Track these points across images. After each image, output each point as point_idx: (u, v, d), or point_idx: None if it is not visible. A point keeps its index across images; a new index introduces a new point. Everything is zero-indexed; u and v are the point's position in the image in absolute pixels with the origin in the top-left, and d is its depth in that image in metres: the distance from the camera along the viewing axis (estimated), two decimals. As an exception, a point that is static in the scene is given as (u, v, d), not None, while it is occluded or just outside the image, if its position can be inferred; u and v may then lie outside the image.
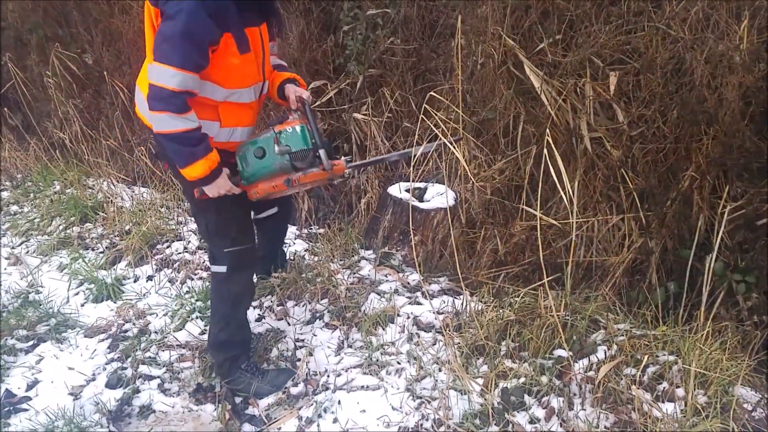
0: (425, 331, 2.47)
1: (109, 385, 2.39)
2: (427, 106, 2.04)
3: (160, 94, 1.73)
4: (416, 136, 2.08)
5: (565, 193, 1.80)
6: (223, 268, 2.13)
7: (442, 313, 2.51)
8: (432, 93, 2.07)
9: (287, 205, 2.62)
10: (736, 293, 2.18)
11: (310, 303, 2.73)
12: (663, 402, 1.92)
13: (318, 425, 2.08)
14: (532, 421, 1.96)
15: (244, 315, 2.29)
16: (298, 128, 1.98)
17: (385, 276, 2.84)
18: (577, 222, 2.67)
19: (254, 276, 2.28)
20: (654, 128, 2.58)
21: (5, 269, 3.37)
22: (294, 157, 1.97)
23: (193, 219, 2.91)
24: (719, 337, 2.03)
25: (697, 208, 2.42)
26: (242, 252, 2.12)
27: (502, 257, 2.80)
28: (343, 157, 2.08)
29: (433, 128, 2.03)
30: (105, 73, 4.03)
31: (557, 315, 2.13)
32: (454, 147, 1.94)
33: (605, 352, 2.12)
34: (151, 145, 2.24)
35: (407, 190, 2.93)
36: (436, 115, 2.01)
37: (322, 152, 1.98)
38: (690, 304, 2.26)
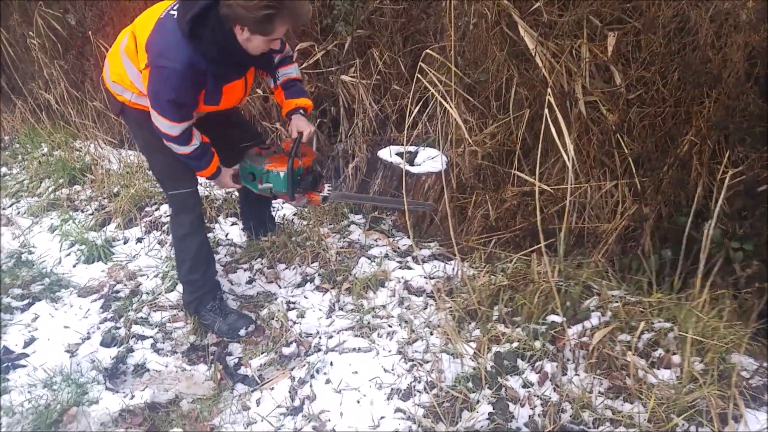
0: (416, 296, 2.32)
1: (104, 344, 2.33)
2: (422, 64, 1.82)
3: (167, 137, 1.98)
4: (410, 98, 1.87)
5: (567, 157, 1.61)
6: (170, 210, 2.27)
7: (434, 278, 2.35)
8: (428, 51, 1.86)
9: None
10: (734, 261, 2.03)
11: (300, 266, 2.58)
12: (658, 369, 1.79)
13: (311, 386, 1.97)
14: (526, 385, 1.84)
15: (195, 256, 2.28)
16: (282, 174, 2.14)
17: (375, 240, 2.68)
18: (571, 188, 2.50)
19: (201, 219, 2.34)
20: (653, 91, 2.38)
21: (-4, 229, 3.25)
22: (274, 193, 2.21)
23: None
24: (716, 305, 1.89)
25: (696, 174, 2.25)
26: (183, 195, 2.20)
27: (493, 223, 2.63)
28: (324, 190, 2.26)
29: (429, 86, 1.82)
30: (89, 33, 3.71)
31: (552, 280, 1.98)
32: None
33: (599, 318, 1.98)
34: (111, 106, 2.26)
35: (398, 154, 2.72)
36: (432, 73, 1.80)
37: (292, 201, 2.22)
38: (685, 272, 2.11)
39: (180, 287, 2.52)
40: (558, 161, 2.80)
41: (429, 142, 2.89)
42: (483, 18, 2.94)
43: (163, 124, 1.93)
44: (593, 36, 2.60)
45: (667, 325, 1.89)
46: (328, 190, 2.27)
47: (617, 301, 2.03)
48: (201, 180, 2.28)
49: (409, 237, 2.59)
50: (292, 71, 2.21)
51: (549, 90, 1.72)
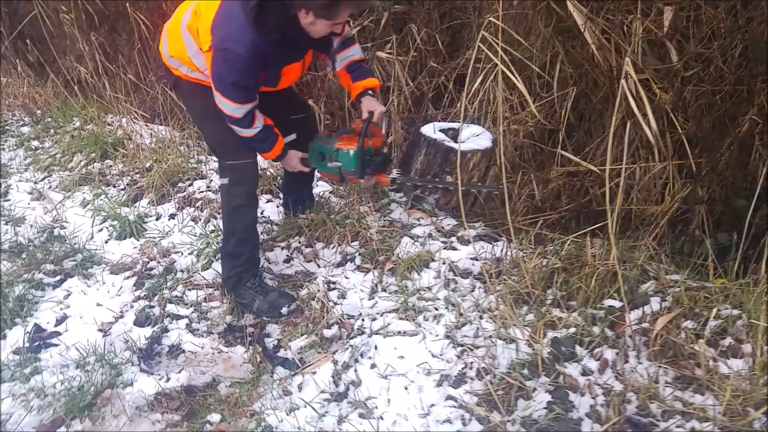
0: (462, 278, 2.18)
1: (138, 323, 2.20)
2: (484, 33, 1.66)
3: (231, 119, 1.95)
4: (470, 65, 1.71)
5: (651, 134, 1.46)
6: (225, 180, 2.17)
7: (481, 260, 2.21)
8: (491, 18, 1.70)
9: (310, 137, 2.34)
10: (799, 246, 1.88)
11: (339, 245, 2.44)
12: (728, 358, 1.65)
13: (355, 370, 1.83)
14: (585, 372, 1.70)
15: (246, 229, 2.20)
16: (351, 152, 2.10)
17: (418, 220, 2.53)
18: (617, 169, 2.34)
19: (256, 193, 2.25)
20: (711, 68, 2.19)
21: (29, 204, 3.16)
22: (343, 172, 2.17)
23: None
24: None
25: (757, 155, 2.08)
26: (243, 166, 2.13)
27: (538, 203, 2.48)
28: (393, 172, 2.24)
29: (491, 56, 1.67)
30: (127, 5, 3.55)
31: (609, 263, 1.84)
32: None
33: (660, 304, 1.84)
34: (165, 78, 2.23)
35: (442, 131, 2.56)
36: (494, 41, 1.64)
37: (362, 180, 2.17)
38: (742, 257, 1.95)
39: (216, 265, 2.40)
40: (603, 141, 2.64)
41: (472, 119, 2.72)
42: (529, -8, 2.75)
43: (227, 105, 1.91)
44: (648, 11, 2.41)
45: (736, 312, 1.74)
46: (397, 173, 2.24)
47: (678, 286, 1.88)
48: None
49: (454, 217, 2.44)
50: (354, 53, 2.15)
51: (628, 60, 1.54)
